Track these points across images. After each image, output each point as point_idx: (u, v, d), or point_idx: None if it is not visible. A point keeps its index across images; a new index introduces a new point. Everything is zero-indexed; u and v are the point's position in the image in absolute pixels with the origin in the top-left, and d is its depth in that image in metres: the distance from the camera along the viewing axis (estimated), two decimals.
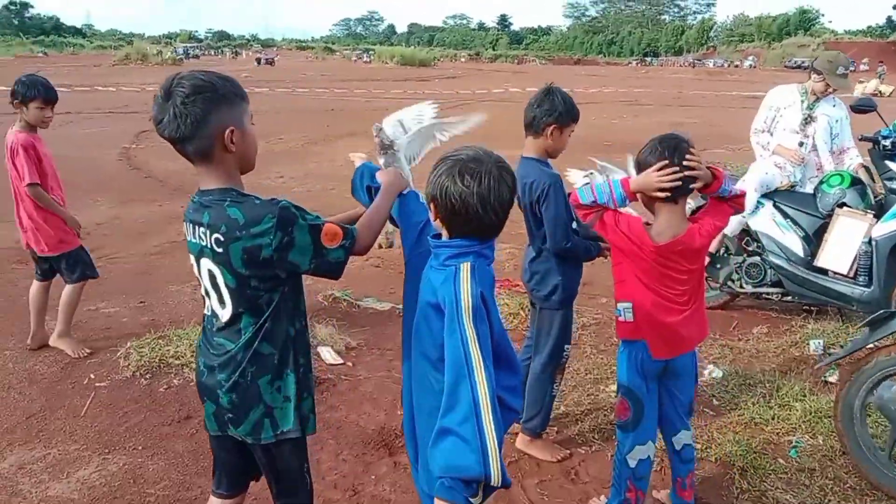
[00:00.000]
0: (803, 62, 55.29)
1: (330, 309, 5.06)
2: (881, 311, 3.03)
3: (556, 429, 3.47)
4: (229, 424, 1.99)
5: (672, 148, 2.37)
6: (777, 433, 3.42)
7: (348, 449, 3.32)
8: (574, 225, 2.98)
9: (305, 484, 2.12)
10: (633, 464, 2.60)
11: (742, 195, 2.54)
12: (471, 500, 1.67)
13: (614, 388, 3.87)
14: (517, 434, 3.29)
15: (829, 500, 2.90)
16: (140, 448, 3.30)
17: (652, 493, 2.89)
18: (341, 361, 4.20)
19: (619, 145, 9.48)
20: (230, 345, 1.93)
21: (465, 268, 1.72)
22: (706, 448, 3.29)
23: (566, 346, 3.18)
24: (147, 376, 3.95)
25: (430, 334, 1.77)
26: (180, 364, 4.03)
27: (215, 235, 1.82)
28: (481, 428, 1.61)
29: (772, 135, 5.12)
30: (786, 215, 4.83)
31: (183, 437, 3.40)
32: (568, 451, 3.27)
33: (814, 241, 4.72)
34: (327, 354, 4.24)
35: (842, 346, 4.39)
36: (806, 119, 4.99)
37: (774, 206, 4.89)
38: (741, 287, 5.02)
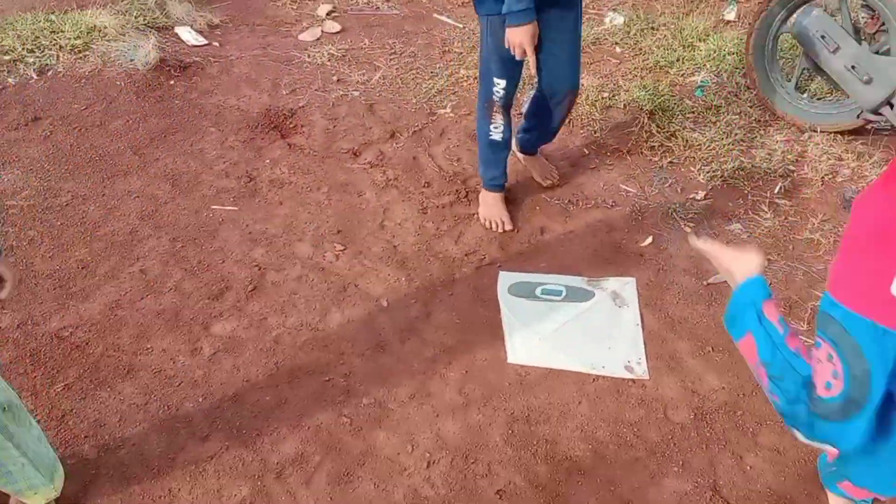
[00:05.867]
0: None
1: None
2: None
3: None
4: None
5: None
6: (682, 75, 3.30)
7: (234, 135, 2.97)
8: None
9: None
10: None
11: None
12: None
13: None
14: None
15: (736, 134, 2.90)
16: None
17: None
18: (206, 42, 3.64)
19: None
20: None
21: None
22: (613, 95, 3.16)
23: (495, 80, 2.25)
24: None
25: None
26: (11, 60, 3.36)
27: None
28: None
29: None
30: None
31: (35, 141, 2.92)
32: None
33: None
34: (188, 35, 3.64)
35: None
36: None
37: None
38: None
